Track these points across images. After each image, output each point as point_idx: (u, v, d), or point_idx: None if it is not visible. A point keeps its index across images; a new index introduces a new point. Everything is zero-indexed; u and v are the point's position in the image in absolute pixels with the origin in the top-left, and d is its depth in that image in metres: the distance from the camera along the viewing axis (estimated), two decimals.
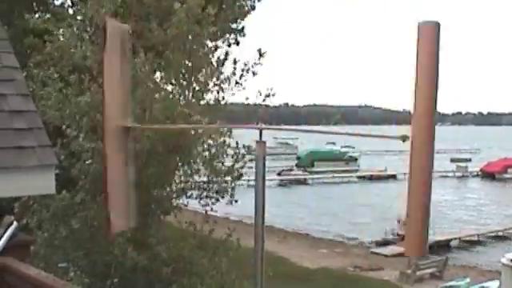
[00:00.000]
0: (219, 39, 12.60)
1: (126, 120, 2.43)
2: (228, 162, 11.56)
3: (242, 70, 11.55)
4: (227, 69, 11.57)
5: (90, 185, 10.13)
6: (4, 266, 3.99)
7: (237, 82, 11.55)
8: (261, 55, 11.69)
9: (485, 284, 25.52)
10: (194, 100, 11.20)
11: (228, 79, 11.46)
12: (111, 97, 2.37)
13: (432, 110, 2.05)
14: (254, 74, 11.70)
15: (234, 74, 11.50)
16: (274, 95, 11.76)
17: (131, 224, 2.50)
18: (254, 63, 11.64)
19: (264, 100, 11.77)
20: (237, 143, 11.65)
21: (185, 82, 11.35)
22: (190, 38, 11.12)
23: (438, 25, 2.04)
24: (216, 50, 12.34)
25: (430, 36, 2.02)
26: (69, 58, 10.89)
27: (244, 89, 11.72)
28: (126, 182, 2.41)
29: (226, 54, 12.09)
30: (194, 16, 10.82)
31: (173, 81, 11.45)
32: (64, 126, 10.30)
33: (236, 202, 11.51)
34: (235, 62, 11.57)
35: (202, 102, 11.34)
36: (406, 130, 2.08)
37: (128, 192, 2.44)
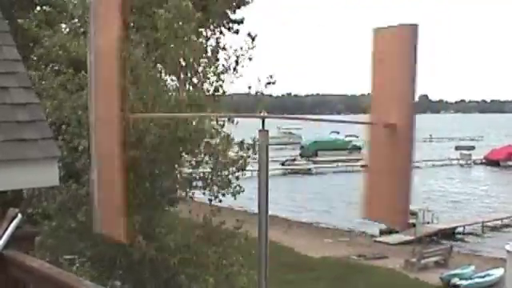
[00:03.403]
0: (211, 27, 12.60)
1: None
2: (233, 154, 11.58)
3: (237, 57, 11.54)
4: (223, 57, 11.62)
5: None
6: (9, 258, 4.00)
7: (234, 69, 11.55)
8: (253, 39, 11.64)
9: (490, 272, 25.57)
10: (196, 93, 11.22)
11: (226, 69, 11.48)
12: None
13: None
14: (249, 59, 11.67)
15: (227, 59, 11.51)
16: (274, 83, 11.72)
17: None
18: (248, 48, 11.61)
19: (266, 87, 11.73)
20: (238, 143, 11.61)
21: (182, 74, 11.37)
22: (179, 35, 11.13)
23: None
24: (209, 39, 12.33)
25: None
26: (67, 53, 10.89)
27: (241, 76, 11.73)
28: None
29: (217, 40, 12.08)
30: (181, 16, 10.88)
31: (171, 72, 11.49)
32: (64, 126, 10.27)
33: (238, 193, 11.49)
34: (224, 49, 11.54)
35: (201, 93, 11.34)
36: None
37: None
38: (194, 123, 10.70)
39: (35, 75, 10.45)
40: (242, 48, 11.55)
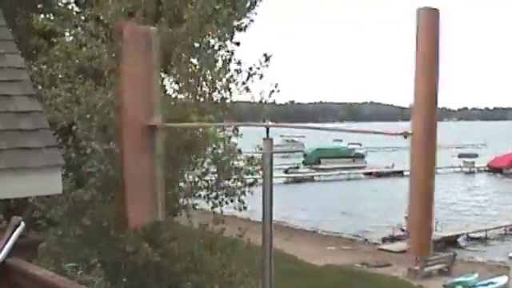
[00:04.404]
0: (227, 39, 12.61)
1: (153, 119, 2.38)
2: (241, 163, 11.62)
3: (249, 74, 11.56)
4: (233, 69, 11.63)
5: (100, 182, 10.23)
6: (12, 266, 4.00)
7: (243, 83, 11.55)
8: (267, 59, 11.65)
9: (493, 279, 25.47)
10: (201, 99, 11.25)
11: (234, 80, 11.48)
12: (134, 96, 2.31)
13: (433, 100, 1.91)
14: (261, 76, 11.67)
15: (239, 71, 11.52)
16: (278, 91, 11.71)
17: (158, 217, 2.47)
18: (261, 64, 11.60)
19: (270, 95, 11.74)
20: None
21: (193, 81, 11.37)
22: (198, 36, 11.18)
23: (437, 11, 1.94)
24: (220, 49, 12.32)
25: (430, 23, 1.90)
26: (75, 58, 10.92)
27: (250, 91, 11.73)
28: (151, 180, 2.37)
29: (232, 53, 12.06)
30: (205, 14, 10.89)
31: (179, 80, 11.49)
32: (74, 127, 10.34)
33: (245, 208, 11.47)
34: (239, 63, 11.58)
35: (209, 101, 11.36)
36: (409, 126, 1.98)
37: (155, 189, 2.40)
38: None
39: (46, 70, 10.51)
40: (251, 68, 11.57)
